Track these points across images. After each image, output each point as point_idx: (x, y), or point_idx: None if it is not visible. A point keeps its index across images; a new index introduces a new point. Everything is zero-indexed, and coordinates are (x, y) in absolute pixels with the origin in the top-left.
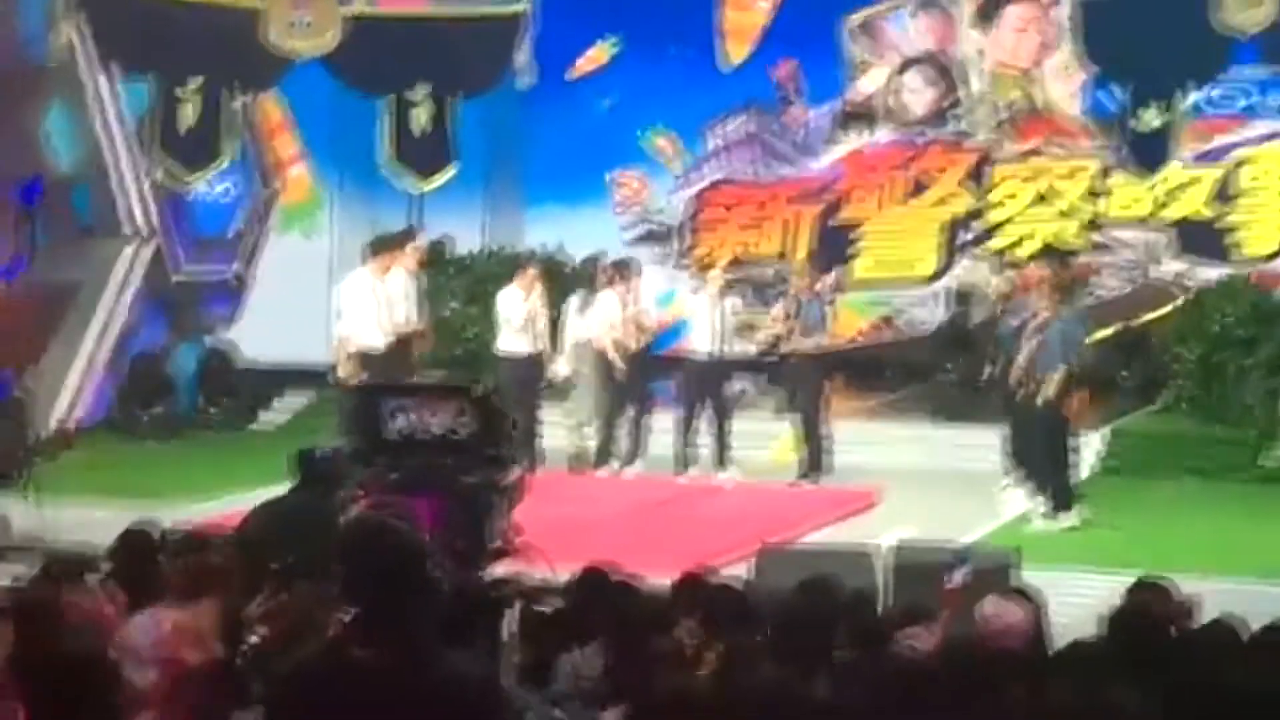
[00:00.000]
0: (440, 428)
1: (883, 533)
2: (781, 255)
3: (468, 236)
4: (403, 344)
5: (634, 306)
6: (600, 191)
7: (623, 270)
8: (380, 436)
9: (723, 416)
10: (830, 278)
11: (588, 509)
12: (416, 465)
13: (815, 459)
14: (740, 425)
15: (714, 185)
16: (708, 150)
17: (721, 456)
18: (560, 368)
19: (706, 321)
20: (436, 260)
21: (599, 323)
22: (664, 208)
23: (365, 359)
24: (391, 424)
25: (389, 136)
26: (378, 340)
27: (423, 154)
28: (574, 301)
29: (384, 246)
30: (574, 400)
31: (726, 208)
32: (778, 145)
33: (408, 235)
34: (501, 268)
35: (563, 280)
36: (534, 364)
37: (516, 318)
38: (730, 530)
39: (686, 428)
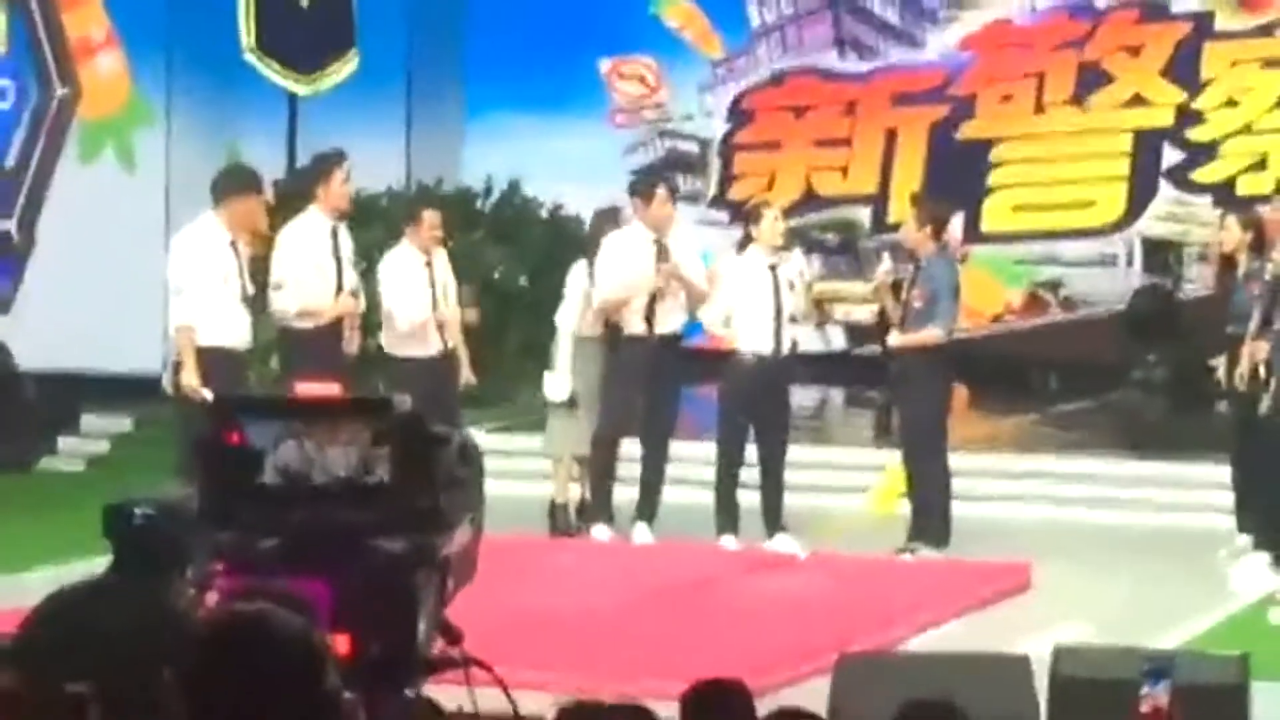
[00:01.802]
0: (345, 466)
1: (1039, 630)
2: (879, 191)
3: (379, 164)
4: (331, 329)
5: (679, 253)
6: (588, 90)
7: (652, 186)
8: (249, 481)
9: (782, 447)
10: (958, 225)
11: (575, 595)
12: (307, 526)
13: (930, 517)
14: (815, 456)
15: (772, 79)
16: (760, 24)
17: (779, 511)
18: (555, 386)
19: (762, 296)
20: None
21: (620, 276)
22: (692, 115)
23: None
24: (268, 461)
25: (252, 8)
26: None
27: (306, 35)
28: (579, 276)
29: (312, 176)
30: (557, 427)
31: (793, 114)
32: (871, 15)
33: (334, 160)
34: None
35: (527, 237)
36: (445, 369)
37: (415, 296)
38: (800, 627)
39: (731, 465)
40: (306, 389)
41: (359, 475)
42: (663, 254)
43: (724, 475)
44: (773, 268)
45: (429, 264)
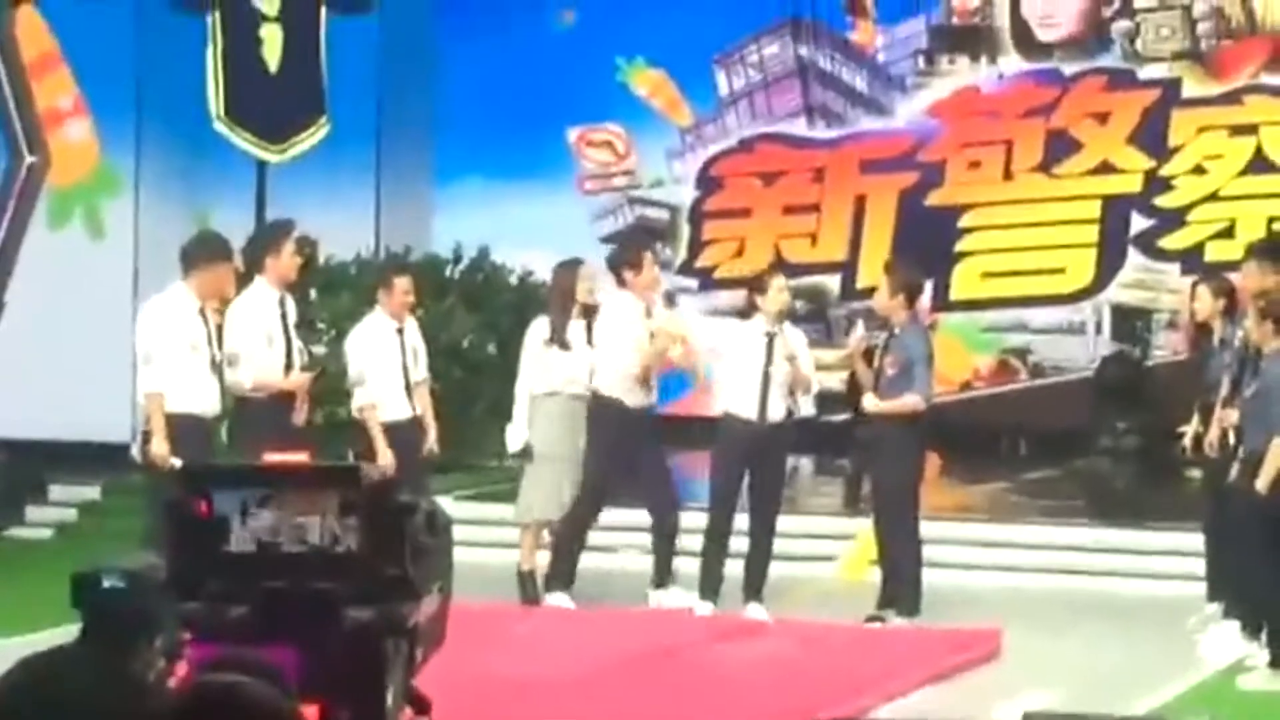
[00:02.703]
0: (312, 535)
1: (1009, 698)
2: (849, 258)
3: (348, 231)
4: (282, 400)
5: (660, 310)
6: (557, 158)
7: (640, 252)
8: (217, 550)
9: (773, 516)
10: (926, 293)
11: (545, 663)
12: (275, 594)
13: (901, 584)
14: (784, 524)
15: (741, 146)
16: (729, 91)
17: (761, 579)
18: (512, 437)
19: (753, 364)
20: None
21: (614, 341)
22: (662, 182)
23: (196, 427)
24: (236, 529)
25: (221, 76)
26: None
27: (275, 103)
28: (538, 331)
29: (261, 246)
30: (532, 488)
31: (763, 180)
32: (840, 82)
33: (283, 230)
34: None
35: (497, 304)
36: (414, 435)
37: (387, 362)
38: (770, 695)
39: (718, 531)
40: (275, 458)
41: (327, 544)
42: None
43: (710, 541)
44: (770, 336)
45: (400, 330)
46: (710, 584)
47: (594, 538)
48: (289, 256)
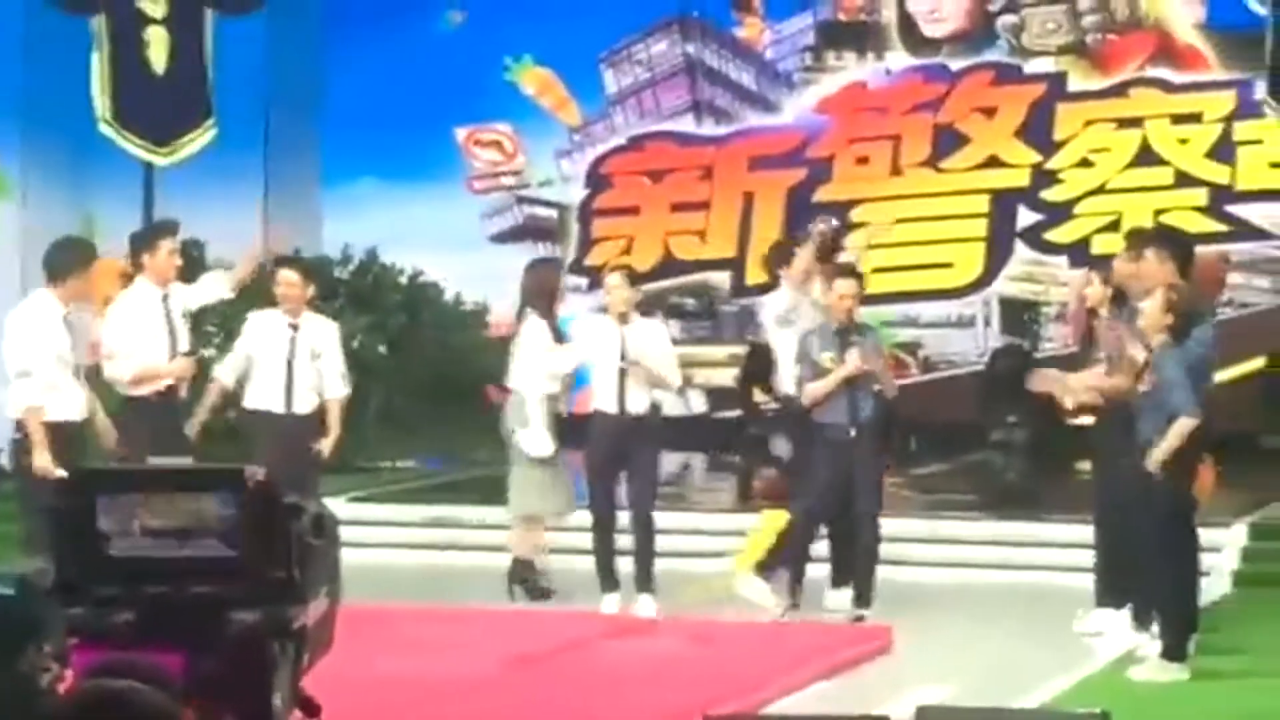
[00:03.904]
0: (199, 538)
1: (901, 692)
2: (738, 255)
3: (236, 234)
4: (170, 399)
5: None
6: (446, 158)
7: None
8: (103, 554)
9: (644, 506)
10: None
11: (437, 664)
12: (160, 599)
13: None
14: (677, 521)
15: (630, 145)
16: (617, 90)
17: (645, 571)
18: (537, 443)
19: (609, 358)
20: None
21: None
22: (551, 181)
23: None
24: (122, 534)
25: (107, 79)
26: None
27: (162, 106)
28: (537, 333)
29: (138, 246)
30: (530, 486)
31: (651, 178)
32: (727, 79)
33: (161, 229)
34: None
35: (386, 305)
36: (300, 431)
37: (274, 354)
38: (663, 691)
39: (599, 526)
40: (159, 462)
41: (212, 547)
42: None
43: (595, 536)
44: (621, 331)
45: (293, 325)
46: (608, 578)
47: (488, 538)
48: (166, 255)
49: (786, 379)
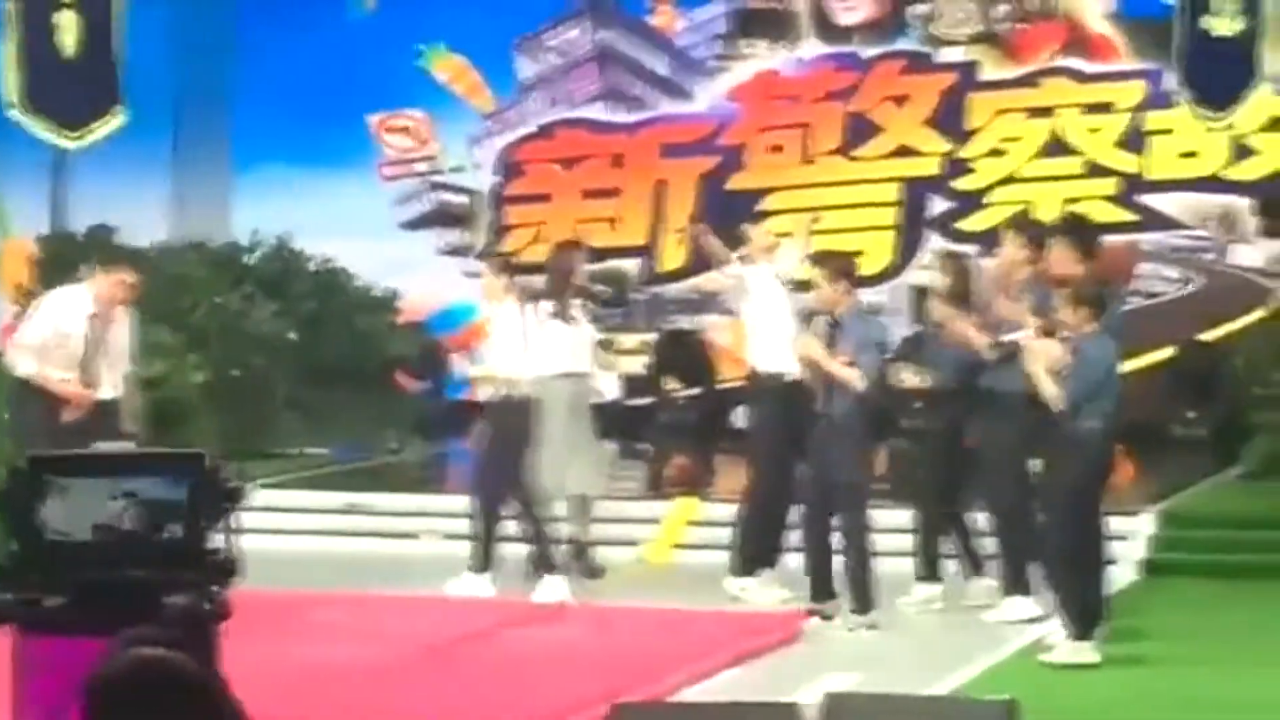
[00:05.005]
0: (135, 522)
1: (810, 679)
2: (649, 242)
3: (146, 220)
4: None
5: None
6: (357, 144)
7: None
8: (39, 541)
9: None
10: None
11: (345, 650)
12: (94, 585)
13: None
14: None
15: (541, 132)
16: (530, 77)
17: (543, 557)
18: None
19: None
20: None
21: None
22: (463, 168)
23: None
24: (56, 519)
25: (15, 64)
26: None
27: (72, 90)
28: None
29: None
30: (545, 467)
31: (563, 165)
32: (640, 67)
33: (111, 257)
34: (205, 268)
35: (296, 291)
36: (104, 414)
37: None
38: (571, 678)
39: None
40: (107, 446)
41: (148, 530)
42: None
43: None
44: (524, 315)
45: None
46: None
47: (397, 525)
48: (111, 285)
49: (758, 352)
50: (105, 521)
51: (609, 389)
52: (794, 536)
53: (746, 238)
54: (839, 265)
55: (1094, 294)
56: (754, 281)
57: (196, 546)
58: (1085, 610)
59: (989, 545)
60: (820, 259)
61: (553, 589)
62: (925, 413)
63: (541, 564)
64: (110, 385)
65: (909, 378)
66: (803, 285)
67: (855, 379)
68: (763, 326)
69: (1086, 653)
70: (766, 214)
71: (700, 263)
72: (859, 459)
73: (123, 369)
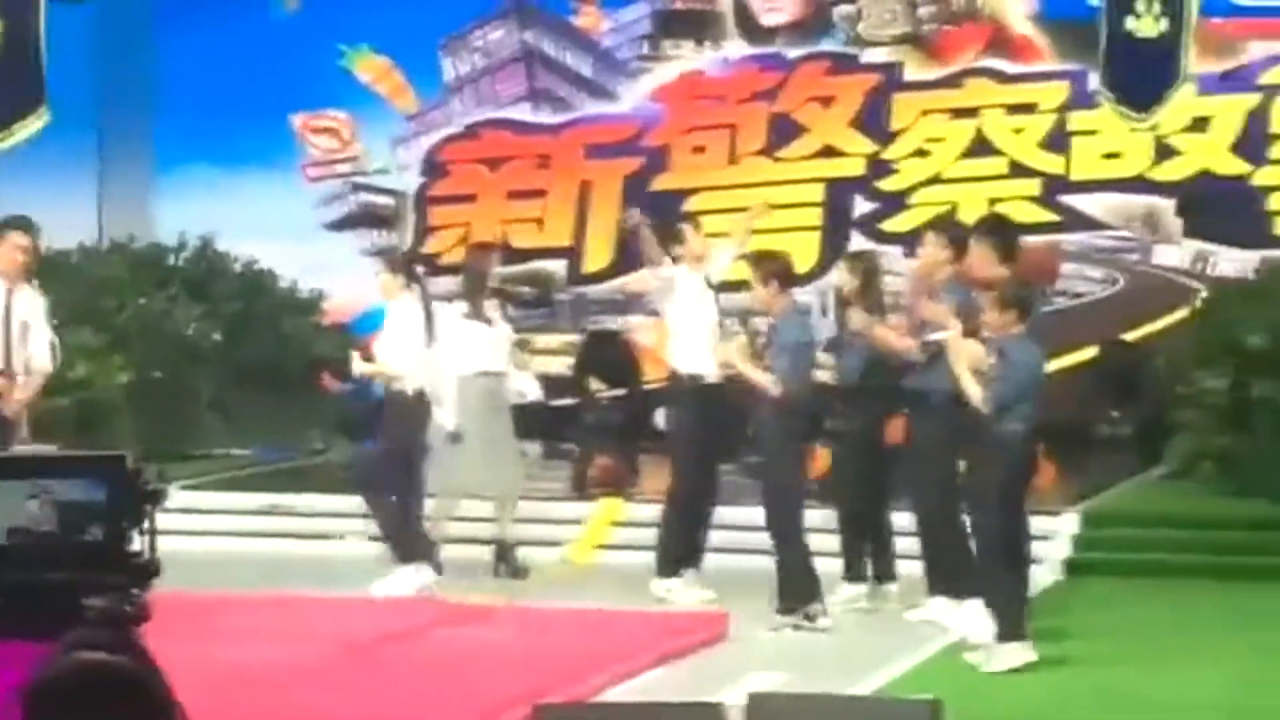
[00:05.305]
0: (56, 524)
1: (734, 679)
2: (574, 243)
3: (70, 221)
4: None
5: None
6: (281, 145)
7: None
8: None
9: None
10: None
11: (269, 650)
12: (16, 588)
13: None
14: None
15: (466, 132)
16: (454, 77)
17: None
18: (447, 416)
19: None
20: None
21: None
22: (387, 169)
23: None
24: None
25: None
26: None
27: None
28: (454, 311)
29: None
30: (466, 465)
31: (488, 166)
32: (564, 67)
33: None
34: (129, 270)
35: (221, 293)
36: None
37: None
38: (494, 679)
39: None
40: (26, 449)
41: (69, 533)
42: None
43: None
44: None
45: (9, 293)
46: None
47: (321, 525)
48: (9, 249)
49: (679, 354)
50: (22, 525)
51: (532, 389)
52: (714, 537)
53: (683, 238)
54: (772, 267)
55: (1020, 296)
56: (682, 283)
57: (117, 549)
58: (1012, 610)
59: (912, 545)
60: (755, 260)
61: (400, 582)
62: (844, 413)
63: (397, 554)
64: (20, 362)
65: (828, 378)
66: (737, 286)
67: (770, 384)
68: (684, 328)
69: (1022, 653)
70: (692, 215)
71: (626, 263)
72: (788, 460)
73: (46, 338)
